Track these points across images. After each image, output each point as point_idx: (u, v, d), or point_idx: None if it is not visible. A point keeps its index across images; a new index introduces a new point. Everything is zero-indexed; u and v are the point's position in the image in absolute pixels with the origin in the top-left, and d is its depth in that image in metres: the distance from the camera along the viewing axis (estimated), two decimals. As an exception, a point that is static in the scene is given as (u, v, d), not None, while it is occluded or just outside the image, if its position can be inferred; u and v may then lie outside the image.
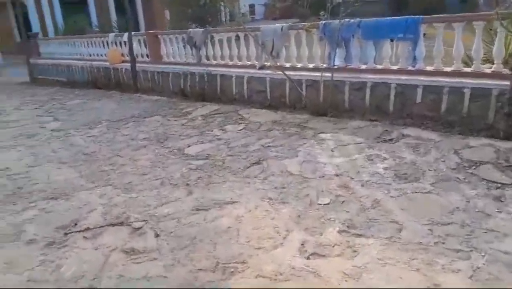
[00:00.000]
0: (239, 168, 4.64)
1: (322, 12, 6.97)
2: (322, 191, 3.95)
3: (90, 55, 11.88)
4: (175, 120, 6.85)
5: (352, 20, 6.64)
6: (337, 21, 6.68)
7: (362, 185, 4.00)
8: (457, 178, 3.97)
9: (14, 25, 17.83)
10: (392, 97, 6.17)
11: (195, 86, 8.74)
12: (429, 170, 4.19)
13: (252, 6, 33.19)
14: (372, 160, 4.57)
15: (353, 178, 4.16)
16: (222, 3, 18.85)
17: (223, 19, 18.43)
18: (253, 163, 4.74)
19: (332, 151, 4.96)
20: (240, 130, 6.04)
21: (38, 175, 4.78)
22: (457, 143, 4.80)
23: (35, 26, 17.22)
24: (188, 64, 9.14)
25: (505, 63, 5.42)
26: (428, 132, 5.28)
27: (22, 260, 3.01)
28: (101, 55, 11.47)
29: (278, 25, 7.84)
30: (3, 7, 17.10)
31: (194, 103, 8.03)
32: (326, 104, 6.67)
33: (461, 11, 15.47)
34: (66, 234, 3.37)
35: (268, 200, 3.82)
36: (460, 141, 4.86)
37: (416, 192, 3.78)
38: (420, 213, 3.40)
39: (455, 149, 4.63)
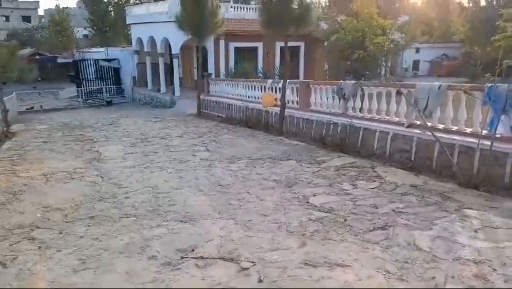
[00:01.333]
0: (361, 229, 4.35)
1: (488, 74, 6.23)
2: (453, 277, 3.39)
3: (248, 97, 13.04)
4: (308, 167, 6.88)
5: (525, 85, 5.76)
6: (506, 85, 5.89)
7: (506, 281, 3.30)
8: None
9: (195, 66, 20.89)
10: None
11: (336, 136, 8.69)
12: None
13: (416, 62, 31.89)
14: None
15: (495, 270, 3.46)
16: (383, 58, 18.68)
17: (382, 73, 18.18)
18: (378, 227, 4.39)
19: (475, 231, 4.25)
20: (372, 188, 5.71)
21: (177, 197, 5.36)
22: None
23: (211, 68, 19.90)
24: (333, 114, 9.21)
25: None
26: None
27: (139, 272, 3.37)
28: (257, 98, 12.47)
29: (436, 83, 7.34)
30: (190, 50, 20.26)
31: (331, 152, 7.96)
32: (480, 176, 5.82)
33: None
34: (182, 257, 3.65)
35: (384, 273, 3.46)
36: None
37: None
38: None
39: None
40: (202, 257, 3.65)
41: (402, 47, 18.04)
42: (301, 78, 23.27)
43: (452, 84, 7.15)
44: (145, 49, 21.93)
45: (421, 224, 4.43)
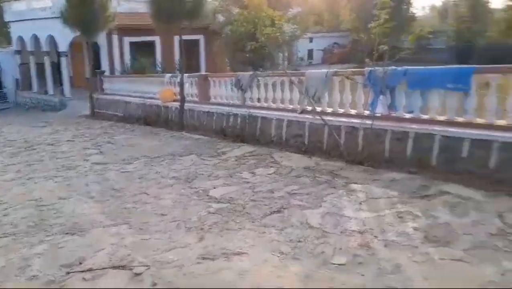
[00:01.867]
0: (259, 215, 4.45)
1: (367, 60, 6.78)
2: (340, 249, 3.63)
3: (146, 93, 12.54)
4: (209, 160, 6.85)
5: (398, 68, 6.38)
6: (382, 68, 6.46)
7: (386, 246, 3.63)
8: (496, 245, 3.47)
9: (87, 63, 19.51)
10: (435, 149, 5.72)
11: (236, 127, 8.79)
12: (464, 234, 3.72)
13: (310, 51, 33.69)
14: (402, 217, 4.17)
15: (377, 237, 3.79)
16: (277, 48, 19.29)
17: (280, 63, 18.80)
18: (274, 211, 4.52)
19: (360, 204, 4.62)
20: (269, 174, 5.88)
21: (65, 208, 4.93)
22: (503, 205, 4.25)
23: (105, 65, 18.73)
24: (232, 105, 9.28)
25: None
26: (472, 190, 4.75)
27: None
28: (155, 94, 12.05)
29: (323, 70, 7.77)
30: (81, 46, 18.79)
31: (232, 143, 8.03)
32: (364, 152, 6.35)
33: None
34: (68, 273, 3.36)
35: (279, 255, 3.57)
36: (507, 203, 4.30)
37: (444, 259, 3.34)
38: (445, 284, 2.97)
39: (500, 212, 4.09)
40: (90, 269, 3.39)
41: (295, 37, 18.87)
42: (202, 71, 23.08)
43: (338, 70, 7.63)
44: (28, 48, 19.80)
45: (312, 203, 4.68)
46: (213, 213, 4.59)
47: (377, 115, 6.58)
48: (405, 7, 35.67)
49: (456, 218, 4.06)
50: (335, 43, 34.06)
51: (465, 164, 5.38)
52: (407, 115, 6.31)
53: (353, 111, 7.10)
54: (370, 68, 6.65)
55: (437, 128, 5.74)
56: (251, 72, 9.30)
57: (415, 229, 3.89)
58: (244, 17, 12.04)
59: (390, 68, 6.36)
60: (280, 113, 8.08)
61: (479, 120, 5.51)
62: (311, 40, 33.25)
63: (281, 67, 16.96)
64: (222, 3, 19.80)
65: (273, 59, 18.97)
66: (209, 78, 10.35)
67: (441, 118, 5.90)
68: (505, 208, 4.18)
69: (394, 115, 6.43)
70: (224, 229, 4.17)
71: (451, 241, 3.61)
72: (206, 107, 9.94)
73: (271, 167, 6.23)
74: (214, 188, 5.44)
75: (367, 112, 6.68)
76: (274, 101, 8.50)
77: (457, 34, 30.29)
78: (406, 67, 6.28)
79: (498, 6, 30.73)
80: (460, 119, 5.68)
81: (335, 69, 7.56)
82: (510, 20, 27.05)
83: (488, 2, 31.81)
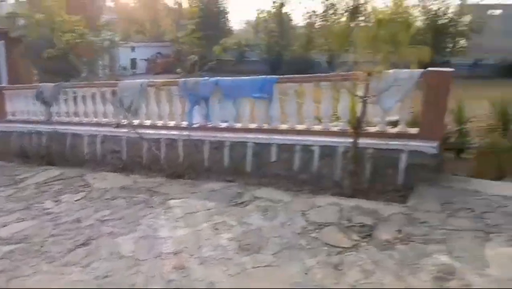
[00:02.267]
0: (60, 252, 3.81)
1: (178, 70, 6.70)
2: (153, 276, 3.35)
3: None
4: (1, 192, 5.68)
5: (210, 79, 6.47)
6: (195, 79, 6.47)
7: (201, 263, 3.52)
8: (300, 244, 3.73)
9: None
10: (249, 156, 5.99)
11: (41, 147, 7.62)
12: (273, 237, 3.91)
13: (134, 60, 32.55)
14: (218, 229, 4.15)
15: (192, 255, 3.65)
16: (97, 57, 17.82)
17: (99, 73, 17.34)
18: (80, 245, 3.95)
19: (177, 221, 4.43)
20: (78, 200, 5.19)
21: None
22: (306, 203, 4.67)
23: None
24: (36, 122, 8.01)
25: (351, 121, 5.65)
26: (281, 192, 5.12)
27: None
28: None
29: (137, 81, 7.35)
30: None
31: (37, 167, 6.90)
32: (185, 164, 6.24)
33: (327, 72, 16.93)
34: None
35: (86, 297, 3.08)
36: (309, 201, 4.75)
37: (256, 267, 3.41)
38: (256, 295, 3.01)
39: (303, 210, 4.48)
40: None
41: (113, 45, 17.77)
42: (4, 83, 19.70)
43: (152, 81, 7.34)
44: None
45: (126, 228, 4.28)
46: (0, 258, 3.73)
47: (195, 125, 6.57)
48: (222, 19, 37.97)
49: (267, 222, 4.25)
50: (158, 52, 33.74)
51: (274, 168, 5.78)
52: (223, 125, 6.46)
53: (171, 123, 6.92)
54: (183, 79, 6.60)
55: (249, 136, 6.03)
56: (55, 83, 8.20)
57: (230, 239, 3.91)
58: (37, 21, 10.55)
59: (202, 78, 6.42)
60: (93, 128, 7.34)
61: (283, 126, 6.00)
62: (133, 49, 32.15)
63: (101, 77, 15.71)
64: (21, 6, 17.26)
65: (94, 68, 17.47)
66: (4, 91, 8.74)
67: (252, 126, 6.23)
68: (307, 206, 4.60)
69: (211, 125, 6.52)
70: (13, 277, 3.42)
71: (262, 246, 3.74)
72: (1, 126, 8.36)
73: (81, 191, 5.52)
74: (4, 226, 4.48)
75: (185, 123, 6.60)
76: (86, 115, 7.67)
77: (268, 48, 33.71)
78: (218, 77, 6.44)
79: (300, 23, 35.35)
80: (267, 126, 6.09)
81: (150, 80, 7.26)
82: (309, 36, 31.41)
83: (291, 20, 36.40)
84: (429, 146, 4.85)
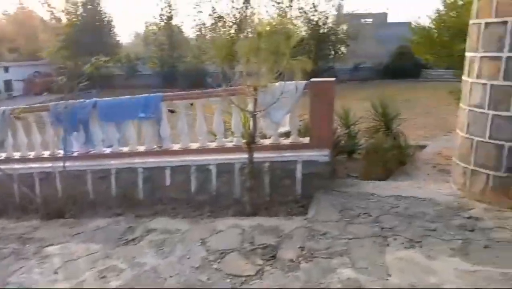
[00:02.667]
0: None
1: (45, 93, 5.87)
2: None
3: None
4: None
5: (86, 101, 5.77)
6: (68, 102, 5.70)
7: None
8: (200, 280, 3.36)
9: None
10: (140, 183, 5.45)
11: None
12: (170, 276, 3.46)
13: (8, 82, 28.93)
14: (105, 277, 3.56)
15: (72, 316, 3.04)
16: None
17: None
18: None
19: (55, 273, 3.72)
20: None
21: None
22: (206, 229, 4.31)
23: None
24: None
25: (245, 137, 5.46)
26: (178, 220, 4.69)
27: None
28: None
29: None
30: None
31: None
32: (65, 201, 5.44)
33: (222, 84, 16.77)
34: None
35: None
36: (209, 226, 4.40)
37: (149, 319, 2.94)
38: None
39: (203, 238, 4.10)
40: None
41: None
42: None
43: (15, 108, 6.31)
44: None
45: (-14, 294, 3.46)
46: None
47: (75, 154, 5.81)
48: (108, 32, 35.90)
49: (163, 258, 3.78)
50: (36, 71, 30.55)
51: (170, 192, 5.33)
52: (107, 150, 5.81)
53: (46, 153, 6.04)
54: (54, 103, 5.79)
55: (137, 160, 5.50)
56: None
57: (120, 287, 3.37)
58: None
59: (76, 101, 5.70)
60: None
61: (175, 147, 5.59)
62: (6, 69, 28.67)
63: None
64: None
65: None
66: None
67: (141, 149, 5.69)
68: (207, 232, 4.23)
69: (93, 151, 5.81)
70: None
71: (157, 290, 3.28)
72: None
73: None
74: None
75: (62, 153, 5.78)
76: None
77: (161, 60, 32.79)
78: (96, 98, 5.78)
79: (191, 35, 35.04)
80: (158, 148, 5.61)
81: (13, 107, 6.24)
82: (200, 48, 31.26)
83: (182, 32, 35.96)
84: (321, 155, 4.86)
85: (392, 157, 7.10)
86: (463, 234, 3.63)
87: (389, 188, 5.03)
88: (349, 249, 3.58)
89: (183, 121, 5.52)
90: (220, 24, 30.02)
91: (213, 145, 5.48)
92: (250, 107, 4.59)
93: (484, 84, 4.30)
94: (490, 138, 4.29)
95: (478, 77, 4.39)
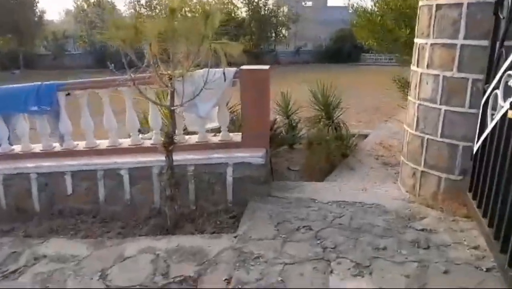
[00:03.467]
0: None
1: None
2: None
3: None
4: None
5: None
6: None
7: None
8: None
9: None
10: (35, 192, 4.39)
11: None
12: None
13: None
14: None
15: None
16: None
17: None
18: None
19: None
20: None
21: None
22: (110, 255, 3.42)
23: None
24: None
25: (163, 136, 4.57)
26: (77, 241, 3.73)
27: None
28: None
29: None
30: None
31: None
32: None
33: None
34: None
35: None
36: (115, 250, 3.51)
37: None
38: None
39: (104, 268, 3.21)
40: None
41: None
42: None
43: None
44: None
45: None
46: None
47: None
48: (32, 9, 32.54)
49: (45, 303, 2.87)
50: None
51: (72, 203, 4.34)
52: (-7, 151, 4.65)
53: None
54: None
55: (31, 164, 4.41)
56: None
57: None
58: None
59: None
60: None
61: (79, 146, 4.58)
62: None
63: None
64: None
65: None
66: None
67: (37, 150, 4.61)
68: (112, 258, 3.35)
69: (-26, 153, 4.63)
70: None
71: None
72: None
73: None
74: None
75: None
76: None
77: (91, 39, 30.32)
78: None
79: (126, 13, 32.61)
80: (57, 148, 4.57)
81: None
82: (135, 26, 29.17)
83: (114, 8, 33.37)
84: (255, 156, 4.13)
85: (335, 149, 6.60)
86: (418, 253, 3.09)
87: (332, 191, 4.43)
88: (285, 278, 2.91)
89: (86, 115, 4.51)
90: (155, 1, 28.16)
91: (126, 144, 4.55)
92: (165, 100, 3.72)
93: (436, 75, 3.77)
94: (442, 136, 3.80)
95: (429, 67, 3.85)
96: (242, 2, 28.19)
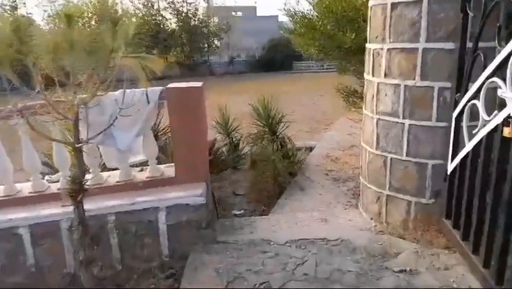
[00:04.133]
0: None
1: None
2: None
3: None
4: None
5: None
6: None
7: None
8: None
9: None
10: None
11: None
12: None
13: None
14: None
15: None
16: None
17: None
18: None
19: None
20: None
21: None
22: None
23: None
24: None
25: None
26: None
27: None
28: None
29: None
30: None
31: None
32: None
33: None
34: None
35: None
36: None
37: None
38: None
39: None
40: None
41: None
42: None
43: None
44: None
45: None
46: None
47: None
48: None
49: None
50: None
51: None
52: None
53: None
54: None
55: None
56: None
57: None
58: None
59: None
60: None
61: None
62: None
63: None
64: None
65: None
66: None
67: None
68: None
69: None
70: None
71: None
72: None
73: None
74: None
75: None
76: None
77: (7, 60, 27.47)
78: None
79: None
80: None
81: None
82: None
83: (34, 24, 30.68)
84: (193, 195, 3.34)
85: (281, 168, 5.99)
86: (403, 309, 2.51)
87: (288, 226, 3.77)
88: None
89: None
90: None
91: (26, 190, 3.54)
92: (68, 134, 2.84)
93: (397, 85, 3.27)
94: (408, 154, 3.29)
95: (387, 76, 3.35)
96: (170, 13, 27.18)
